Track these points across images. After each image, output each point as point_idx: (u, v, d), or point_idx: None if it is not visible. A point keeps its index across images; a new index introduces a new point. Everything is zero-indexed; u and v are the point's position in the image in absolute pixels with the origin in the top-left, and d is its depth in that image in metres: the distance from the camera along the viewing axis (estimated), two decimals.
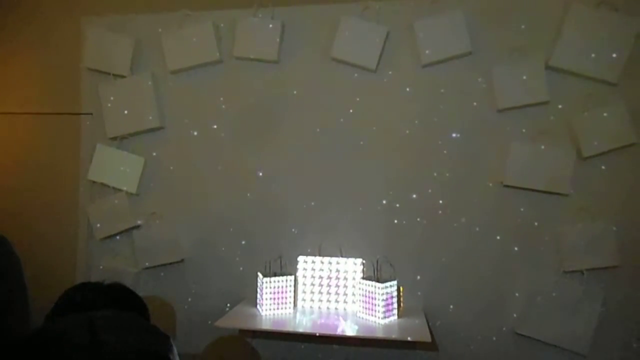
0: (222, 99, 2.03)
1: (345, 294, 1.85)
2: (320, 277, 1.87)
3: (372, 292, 1.70)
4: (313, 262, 1.87)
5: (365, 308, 1.73)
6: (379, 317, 1.67)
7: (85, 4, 2.16)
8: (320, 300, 1.86)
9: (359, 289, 1.77)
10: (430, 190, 1.88)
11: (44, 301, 1.14)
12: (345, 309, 1.84)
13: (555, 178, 1.76)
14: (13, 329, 1.30)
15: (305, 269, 1.88)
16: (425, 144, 1.89)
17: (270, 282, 1.78)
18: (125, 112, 2.06)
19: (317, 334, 1.62)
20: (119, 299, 0.99)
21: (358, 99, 1.94)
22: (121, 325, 0.65)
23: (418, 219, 1.88)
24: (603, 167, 1.76)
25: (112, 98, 2.07)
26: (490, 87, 1.83)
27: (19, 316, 1.39)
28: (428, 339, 1.53)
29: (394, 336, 1.59)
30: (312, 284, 1.87)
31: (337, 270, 1.86)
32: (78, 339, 0.59)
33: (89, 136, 2.13)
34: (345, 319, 1.73)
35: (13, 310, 1.36)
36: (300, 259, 1.88)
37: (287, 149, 1.98)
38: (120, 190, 2.06)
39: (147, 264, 2.04)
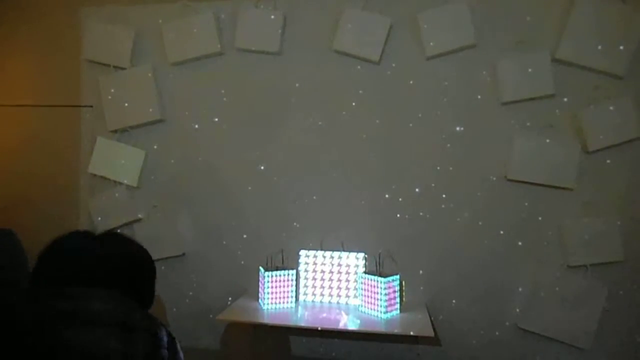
0: (223, 91, 2.01)
1: (347, 288, 1.84)
2: (322, 271, 1.86)
3: (374, 287, 1.69)
4: (315, 256, 1.86)
5: (368, 302, 1.72)
6: (381, 312, 1.66)
7: None
8: (322, 295, 1.85)
9: (361, 283, 1.76)
10: (433, 184, 1.86)
11: None
12: (347, 303, 1.83)
13: (559, 172, 1.75)
14: None
15: (307, 263, 1.87)
16: (428, 137, 1.87)
17: (271, 276, 1.77)
18: (126, 104, 2.04)
19: (319, 328, 1.62)
20: (112, 251, 0.88)
21: (361, 92, 1.92)
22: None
23: (421, 213, 1.87)
24: (608, 161, 1.74)
25: (112, 90, 2.05)
26: (494, 80, 1.81)
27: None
28: (431, 333, 1.52)
29: (396, 331, 1.58)
30: (314, 278, 1.86)
31: (339, 265, 1.85)
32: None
33: (89, 129, 2.11)
34: (347, 314, 1.72)
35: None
36: (302, 253, 1.87)
37: (289, 142, 1.96)
38: (121, 183, 2.04)
39: None
